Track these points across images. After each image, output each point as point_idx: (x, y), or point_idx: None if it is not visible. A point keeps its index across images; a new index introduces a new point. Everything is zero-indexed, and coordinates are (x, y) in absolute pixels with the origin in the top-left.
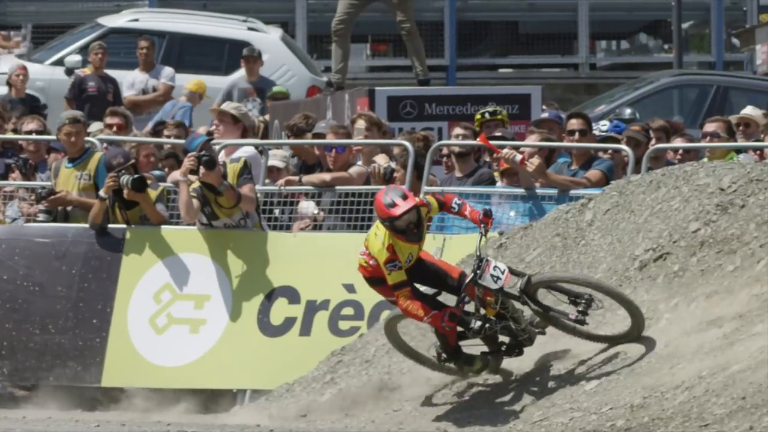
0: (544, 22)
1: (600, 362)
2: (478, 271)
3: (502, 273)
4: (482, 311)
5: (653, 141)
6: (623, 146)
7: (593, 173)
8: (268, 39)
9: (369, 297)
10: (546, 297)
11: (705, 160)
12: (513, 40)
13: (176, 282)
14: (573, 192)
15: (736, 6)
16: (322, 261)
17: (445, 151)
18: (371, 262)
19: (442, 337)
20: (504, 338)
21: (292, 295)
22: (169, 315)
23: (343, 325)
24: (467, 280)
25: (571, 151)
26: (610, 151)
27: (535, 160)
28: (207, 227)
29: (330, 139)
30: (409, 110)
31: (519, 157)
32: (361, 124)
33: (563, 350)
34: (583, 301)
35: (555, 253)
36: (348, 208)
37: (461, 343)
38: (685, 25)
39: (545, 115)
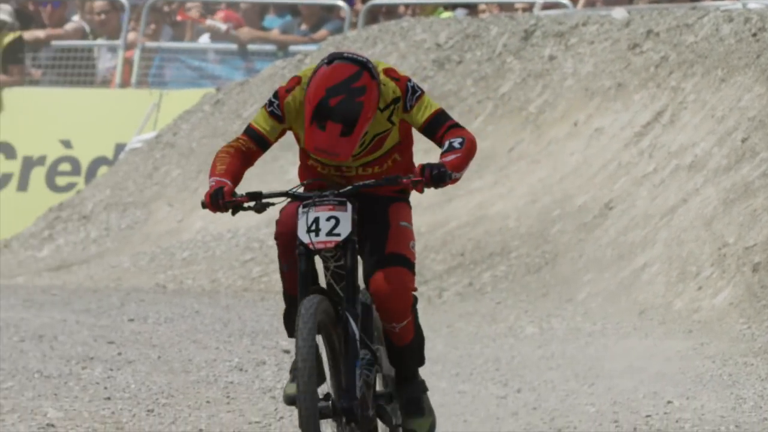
0: None
1: None
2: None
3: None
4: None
5: None
6: (340, 2)
7: (320, 33)
8: None
9: (86, 153)
10: None
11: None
12: None
13: None
14: (291, 48)
15: None
16: (39, 117)
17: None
18: None
19: None
20: None
21: (8, 150)
22: None
23: (60, 181)
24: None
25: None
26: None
27: (245, 29)
28: None
29: None
30: None
31: (224, 27)
32: None
33: None
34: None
35: None
36: (65, 63)
37: None
38: None
39: None
